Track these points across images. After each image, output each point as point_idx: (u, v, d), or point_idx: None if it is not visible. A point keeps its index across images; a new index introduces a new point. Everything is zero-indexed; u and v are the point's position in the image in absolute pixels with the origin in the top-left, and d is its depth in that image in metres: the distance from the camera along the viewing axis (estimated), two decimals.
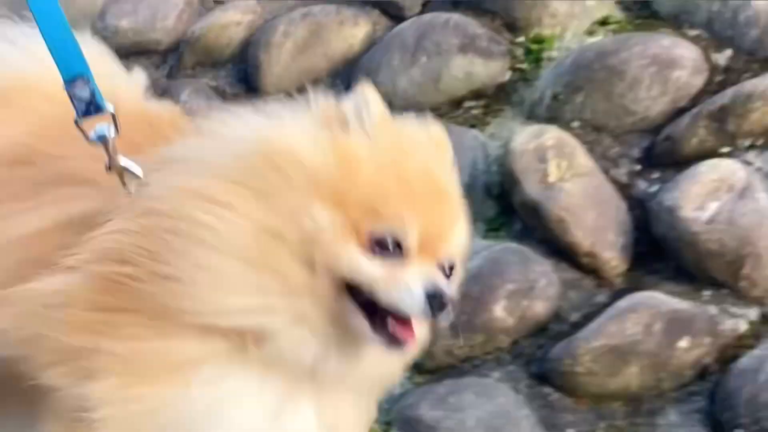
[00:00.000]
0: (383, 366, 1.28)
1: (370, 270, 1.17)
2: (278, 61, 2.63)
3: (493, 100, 2.35)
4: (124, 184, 1.25)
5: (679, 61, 2.10)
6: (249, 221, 1.17)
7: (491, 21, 2.44)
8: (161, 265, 1.16)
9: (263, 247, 1.17)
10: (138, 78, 1.57)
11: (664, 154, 2.01)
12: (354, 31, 2.61)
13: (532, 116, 2.25)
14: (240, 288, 1.17)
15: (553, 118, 2.19)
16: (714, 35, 2.17)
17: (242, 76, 2.75)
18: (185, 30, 2.93)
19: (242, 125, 1.28)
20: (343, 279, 1.18)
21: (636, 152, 2.10)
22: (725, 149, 1.96)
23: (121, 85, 1.50)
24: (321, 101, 1.26)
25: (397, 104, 2.44)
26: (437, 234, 1.22)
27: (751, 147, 1.94)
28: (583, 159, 2.05)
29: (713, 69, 2.11)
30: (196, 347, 1.18)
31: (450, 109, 2.39)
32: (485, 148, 2.24)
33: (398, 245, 1.19)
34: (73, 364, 1.18)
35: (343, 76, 2.60)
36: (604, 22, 2.35)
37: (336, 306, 1.19)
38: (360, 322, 1.19)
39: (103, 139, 1.23)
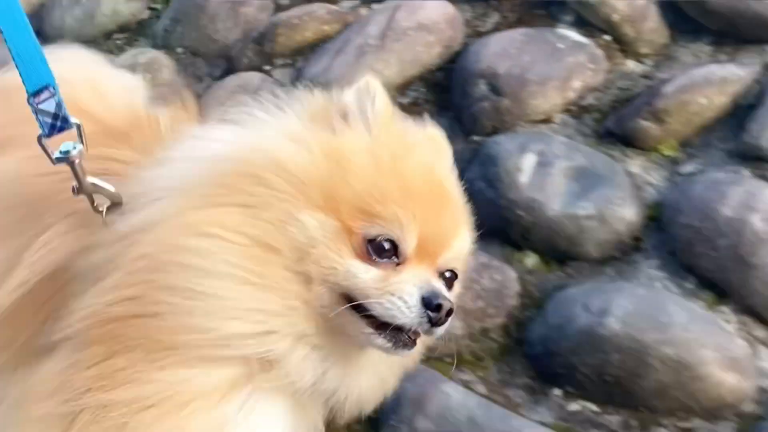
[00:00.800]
0: (380, 373, 1.22)
1: (365, 278, 1.09)
2: None
3: (134, 33, 2.91)
4: (94, 206, 1.17)
5: None
6: (239, 238, 1.09)
7: None
8: (152, 305, 1.08)
9: (257, 263, 1.09)
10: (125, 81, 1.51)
11: (229, 72, 2.60)
12: None
13: (155, 45, 2.81)
14: (239, 313, 1.09)
15: (166, 45, 2.76)
16: None
17: None
18: None
19: (216, 141, 1.18)
20: (340, 288, 1.11)
21: (218, 72, 2.68)
22: (266, 67, 2.54)
23: (104, 88, 1.41)
24: (311, 96, 1.18)
25: (66, 37, 3.03)
26: (438, 238, 1.14)
27: (282, 65, 2.54)
28: (167, 75, 2.63)
29: (278, 7, 2.70)
30: (200, 379, 1.10)
31: (103, 41, 2.94)
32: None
33: (395, 249, 1.11)
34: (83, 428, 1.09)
35: (34, 20, 3.15)
36: None
37: (335, 316, 1.11)
38: (362, 328, 1.11)
39: (67, 158, 1.13)
